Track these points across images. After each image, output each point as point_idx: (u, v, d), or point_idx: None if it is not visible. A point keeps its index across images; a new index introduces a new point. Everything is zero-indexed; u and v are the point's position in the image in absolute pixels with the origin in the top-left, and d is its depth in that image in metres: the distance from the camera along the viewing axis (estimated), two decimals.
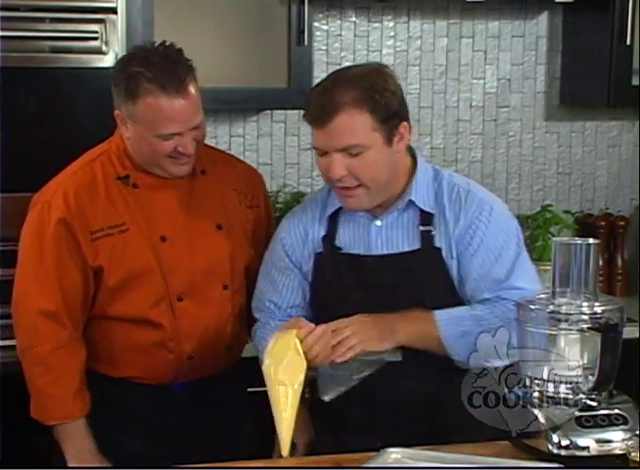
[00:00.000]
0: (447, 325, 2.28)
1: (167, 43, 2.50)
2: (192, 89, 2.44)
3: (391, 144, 2.30)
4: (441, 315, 2.29)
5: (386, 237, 2.38)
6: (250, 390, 2.77)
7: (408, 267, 2.35)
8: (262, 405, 2.73)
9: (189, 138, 2.45)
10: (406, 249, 2.36)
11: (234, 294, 2.60)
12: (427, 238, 2.34)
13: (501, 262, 2.34)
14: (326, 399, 2.29)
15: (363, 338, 2.23)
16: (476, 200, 2.36)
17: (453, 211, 2.35)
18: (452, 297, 2.35)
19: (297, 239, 2.45)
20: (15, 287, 2.54)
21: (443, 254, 2.34)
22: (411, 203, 2.37)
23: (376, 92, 2.26)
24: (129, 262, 2.49)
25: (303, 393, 2.28)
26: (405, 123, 2.32)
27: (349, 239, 2.41)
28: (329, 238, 2.41)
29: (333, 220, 2.43)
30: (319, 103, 2.29)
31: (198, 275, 2.54)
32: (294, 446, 2.67)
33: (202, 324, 2.55)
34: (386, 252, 2.37)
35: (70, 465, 2.55)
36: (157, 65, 2.41)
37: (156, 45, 2.50)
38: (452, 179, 2.41)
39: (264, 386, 2.77)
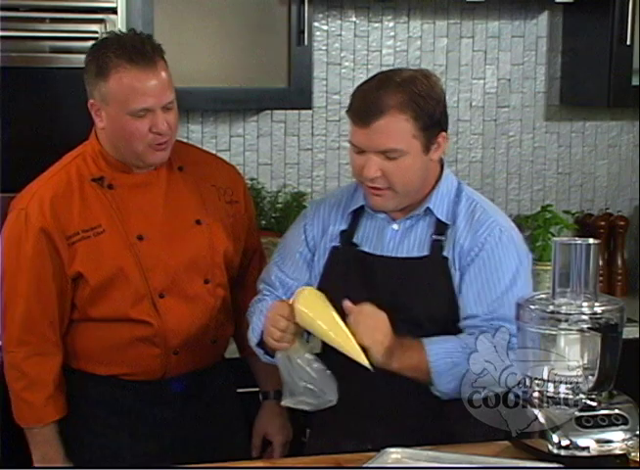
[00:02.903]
0: (438, 359, 2.25)
1: (134, 31, 2.57)
2: (161, 66, 2.47)
3: (428, 152, 2.32)
4: (432, 348, 2.26)
5: (399, 241, 2.39)
6: (239, 391, 2.79)
7: (413, 273, 2.36)
8: (251, 404, 2.75)
9: (161, 117, 2.46)
10: (415, 254, 2.37)
11: (216, 288, 2.61)
12: (436, 247, 2.35)
13: (497, 290, 2.32)
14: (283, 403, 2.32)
15: (369, 340, 2.21)
16: (488, 220, 2.36)
17: (465, 224, 2.36)
18: (452, 306, 2.34)
19: (319, 229, 2.47)
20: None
21: (449, 263, 2.34)
22: (429, 211, 2.38)
23: (421, 98, 2.27)
24: (107, 264, 2.50)
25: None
26: (444, 134, 2.34)
27: (366, 237, 2.42)
28: (347, 233, 2.43)
29: (355, 216, 2.44)
30: (364, 102, 2.30)
31: (178, 271, 2.55)
32: (269, 443, 2.69)
33: (186, 319, 2.56)
34: (395, 255, 2.38)
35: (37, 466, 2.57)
36: (125, 43, 2.46)
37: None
38: (473, 196, 2.42)
39: (254, 386, 2.79)
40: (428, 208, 2.37)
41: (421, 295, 2.33)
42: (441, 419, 2.33)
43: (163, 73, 2.46)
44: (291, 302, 2.28)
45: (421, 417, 2.35)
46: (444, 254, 2.34)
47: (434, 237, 2.36)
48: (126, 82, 2.42)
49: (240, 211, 2.69)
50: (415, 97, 2.27)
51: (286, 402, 2.30)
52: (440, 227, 2.36)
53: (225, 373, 2.73)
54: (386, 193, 2.33)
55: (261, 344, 2.38)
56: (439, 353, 2.26)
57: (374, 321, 2.22)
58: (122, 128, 2.46)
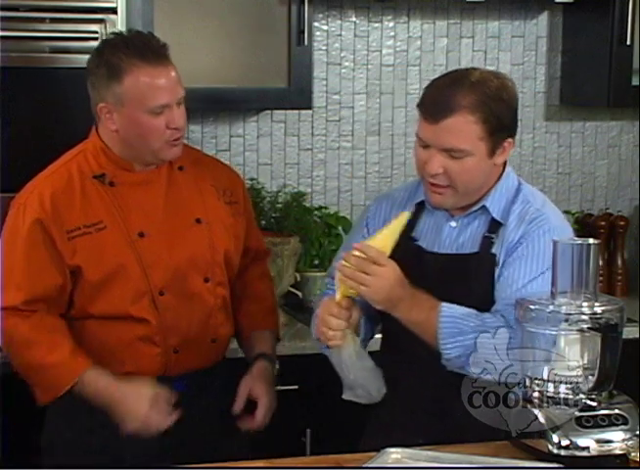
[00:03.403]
0: (447, 320, 2.26)
1: (135, 30, 2.61)
2: (170, 62, 2.50)
3: (493, 156, 2.33)
4: (446, 310, 2.27)
5: (455, 238, 2.40)
6: None
7: (461, 269, 2.36)
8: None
9: (178, 112, 2.49)
10: (467, 251, 2.38)
11: (216, 286, 2.62)
12: (486, 244, 2.36)
13: (527, 278, 2.31)
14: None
15: (369, 291, 2.25)
16: (539, 217, 2.35)
17: (517, 224, 2.36)
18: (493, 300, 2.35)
19: (380, 223, 2.47)
20: None
21: (496, 260, 2.34)
22: (485, 209, 2.39)
23: (492, 101, 2.28)
24: (108, 260, 2.50)
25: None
26: (511, 140, 2.35)
27: (424, 232, 2.44)
28: (407, 227, 2.42)
29: (415, 211, 2.45)
30: (436, 98, 2.31)
31: (178, 269, 2.55)
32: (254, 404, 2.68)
33: (185, 317, 2.57)
34: (449, 251, 2.40)
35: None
36: (132, 42, 2.48)
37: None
38: (529, 197, 2.41)
39: None
40: (484, 205, 2.38)
41: (467, 290, 2.33)
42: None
43: (173, 69, 2.50)
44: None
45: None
46: (493, 251, 2.35)
47: (486, 234, 2.37)
48: (142, 81, 2.44)
49: (239, 212, 2.70)
50: (486, 99, 2.28)
51: (346, 396, 2.35)
52: (494, 226, 2.37)
53: (225, 373, 2.73)
54: (445, 191, 2.34)
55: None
56: (451, 316, 2.26)
57: (376, 270, 2.24)
58: (140, 127, 2.47)
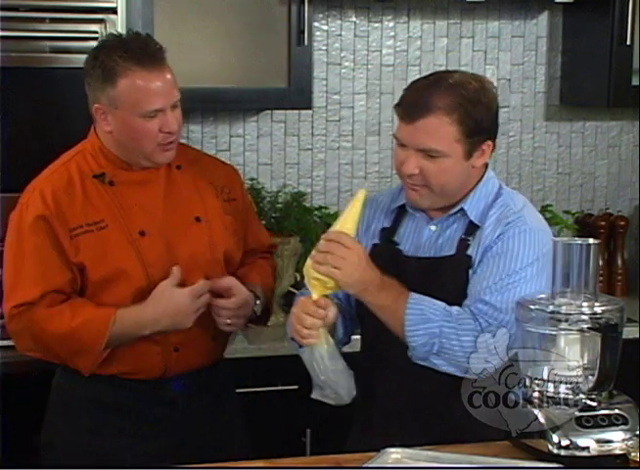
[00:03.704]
0: (415, 307, 2.26)
1: (134, 31, 2.59)
2: (166, 66, 2.49)
3: (470, 158, 2.33)
4: (414, 296, 2.28)
5: (434, 242, 2.40)
6: (239, 391, 2.80)
7: (437, 271, 2.36)
8: (251, 405, 2.75)
9: (172, 116, 2.49)
10: (444, 254, 2.38)
11: None
12: (462, 246, 2.36)
13: (498, 277, 2.30)
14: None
15: (342, 274, 2.24)
16: (517, 219, 2.34)
17: (494, 226, 2.35)
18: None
19: (363, 226, 2.46)
20: (4, 289, 2.54)
21: (472, 262, 2.34)
22: (463, 211, 2.39)
23: (470, 103, 2.28)
24: (110, 259, 2.51)
25: None
26: (490, 142, 2.35)
27: (405, 237, 2.44)
28: (388, 231, 2.45)
29: (397, 216, 2.47)
30: (413, 99, 2.32)
31: (179, 267, 2.54)
32: None
33: None
34: (427, 255, 2.40)
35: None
36: (129, 45, 2.48)
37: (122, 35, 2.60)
38: (508, 201, 2.40)
39: (253, 386, 2.79)
40: (462, 208, 2.39)
41: (443, 292, 2.33)
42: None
43: (169, 72, 2.49)
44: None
45: (463, 417, 2.34)
46: (468, 252, 2.35)
47: (463, 237, 2.37)
48: (136, 85, 2.44)
49: (238, 209, 2.70)
50: (463, 101, 2.28)
51: (314, 395, 2.34)
52: (471, 228, 2.37)
53: (225, 373, 2.73)
54: (422, 190, 2.35)
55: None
56: (418, 303, 2.26)
57: (345, 252, 2.24)
58: (133, 130, 2.48)
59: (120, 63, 2.44)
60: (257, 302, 2.65)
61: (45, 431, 2.66)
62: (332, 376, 2.30)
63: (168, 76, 2.48)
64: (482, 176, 2.41)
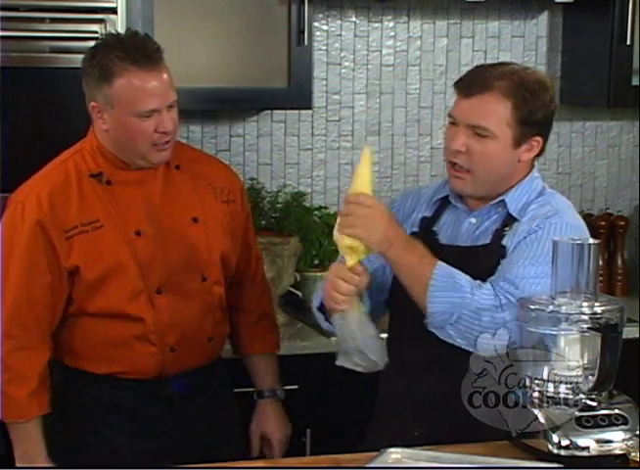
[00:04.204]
0: (442, 273, 2.27)
1: (132, 31, 2.60)
2: (164, 66, 2.50)
3: (518, 147, 2.36)
4: (442, 266, 2.28)
5: (472, 233, 2.42)
6: (236, 390, 2.79)
7: (472, 260, 2.37)
8: (249, 405, 2.75)
9: (167, 116, 2.49)
10: (479, 243, 2.39)
11: (213, 285, 2.62)
12: (498, 236, 2.37)
13: (526, 260, 2.30)
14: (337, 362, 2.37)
15: (366, 232, 2.26)
16: (553, 215, 2.36)
17: (531, 219, 2.36)
18: None
19: (403, 214, 2.50)
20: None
21: (505, 252, 2.35)
22: (503, 203, 2.40)
23: (528, 92, 2.32)
24: (105, 258, 2.51)
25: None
26: (539, 139, 2.38)
27: (445, 227, 2.46)
28: (428, 221, 2.47)
29: (439, 206, 2.48)
30: (474, 76, 2.38)
31: (176, 268, 2.56)
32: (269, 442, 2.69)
33: (183, 316, 2.57)
34: (463, 244, 2.41)
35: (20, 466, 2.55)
36: (126, 44, 2.48)
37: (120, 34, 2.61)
38: (550, 200, 2.42)
39: (250, 386, 2.80)
40: (503, 200, 2.39)
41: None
42: None
43: (166, 73, 2.49)
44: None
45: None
46: (503, 243, 2.36)
47: (499, 228, 2.38)
48: (132, 85, 2.44)
49: (236, 211, 2.70)
50: (522, 89, 2.32)
51: (339, 362, 2.35)
52: (509, 221, 2.38)
53: (222, 373, 2.73)
54: (465, 176, 2.36)
55: (321, 308, 2.42)
56: (446, 271, 2.27)
57: (366, 211, 2.25)
58: (128, 130, 2.48)
59: (117, 62, 2.44)
60: (281, 392, 2.76)
61: (45, 431, 2.66)
62: (364, 342, 2.32)
63: (165, 77, 2.48)
64: (528, 174, 2.43)
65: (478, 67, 2.48)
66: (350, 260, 2.30)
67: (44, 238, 2.48)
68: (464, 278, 2.27)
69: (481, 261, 2.36)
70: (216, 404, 2.68)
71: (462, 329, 2.25)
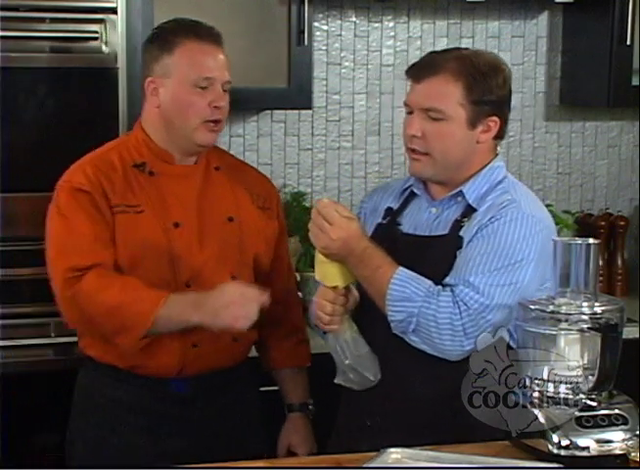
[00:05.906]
0: (400, 282, 2.28)
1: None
2: (223, 47, 2.60)
3: (473, 128, 2.36)
4: (400, 275, 2.29)
5: (432, 223, 2.43)
6: (262, 389, 2.78)
7: (428, 250, 2.38)
8: (271, 405, 2.74)
9: (222, 94, 2.55)
10: (437, 233, 2.40)
11: None
12: (456, 227, 2.37)
13: (479, 258, 2.30)
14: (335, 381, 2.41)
15: (320, 243, 2.31)
16: (510, 205, 2.34)
17: (488, 209, 2.36)
18: None
19: (372, 206, 2.55)
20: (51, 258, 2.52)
21: (462, 243, 2.35)
22: (462, 194, 2.40)
23: (478, 73, 2.34)
24: (141, 242, 2.51)
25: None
26: (496, 118, 2.38)
27: (408, 217, 2.48)
28: (392, 211, 2.49)
29: (405, 198, 2.50)
30: (424, 61, 2.42)
31: (207, 264, 2.55)
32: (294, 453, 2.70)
33: None
34: (422, 234, 2.42)
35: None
36: (189, 23, 2.61)
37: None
38: (509, 188, 2.40)
39: (275, 385, 2.79)
40: (461, 191, 2.40)
41: (433, 271, 2.34)
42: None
43: (223, 53, 2.59)
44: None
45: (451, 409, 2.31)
46: (460, 233, 2.36)
47: (457, 218, 2.38)
48: (193, 53, 2.54)
49: (272, 217, 2.71)
50: (473, 70, 2.34)
51: (337, 380, 2.40)
52: (468, 211, 2.38)
53: (246, 374, 2.70)
54: (423, 158, 2.38)
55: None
56: (403, 281, 2.29)
57: (324, 224, 2.29)
58: (182, 102, 2.53)
59: (180, 34, 2.56)
60: (311, 407, 2.76)
61: (69, 429, 2.66)
62: (357, 360, 2.35)
63: (223, 56, 2.58)
64: (489, 163, 2.43)
65: (429, 53, 2.51)
66: (331, 283, 2.33)
67: (88, 200, 2.49)
68: (422, 285, 2.28)
69: (438, 252, 2.36)
70: (238, 405, 2.66)
71: (423, 336, 2.28)
